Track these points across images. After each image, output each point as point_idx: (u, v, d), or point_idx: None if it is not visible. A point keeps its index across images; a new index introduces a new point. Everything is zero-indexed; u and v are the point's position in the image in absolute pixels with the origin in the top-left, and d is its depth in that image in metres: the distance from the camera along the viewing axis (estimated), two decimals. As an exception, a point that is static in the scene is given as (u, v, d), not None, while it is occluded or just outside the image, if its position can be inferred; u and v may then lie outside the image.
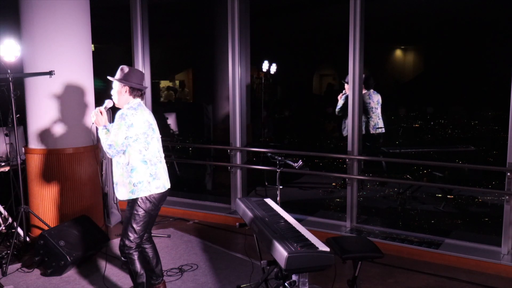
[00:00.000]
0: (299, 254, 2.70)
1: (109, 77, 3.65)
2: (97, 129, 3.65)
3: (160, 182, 3.58)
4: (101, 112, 3.56)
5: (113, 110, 3.71)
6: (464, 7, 10.75)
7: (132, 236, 3.51)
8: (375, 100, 6.92)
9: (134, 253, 3.55)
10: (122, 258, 3.61)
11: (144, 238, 3.69)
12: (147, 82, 6.69)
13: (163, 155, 3.71)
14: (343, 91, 6.94)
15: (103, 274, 4.31)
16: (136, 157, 3.47)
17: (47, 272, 4.29)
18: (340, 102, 6.90)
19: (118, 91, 3.58)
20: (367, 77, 6.75)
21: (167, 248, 5.02)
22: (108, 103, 3.66)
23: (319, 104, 13.08)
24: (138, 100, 3.59)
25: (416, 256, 4.76)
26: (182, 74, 17.19)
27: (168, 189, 3.68)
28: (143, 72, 4.16)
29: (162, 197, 3.61)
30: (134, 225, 3.51)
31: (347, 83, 6.77)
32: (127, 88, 3.55)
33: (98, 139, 4.06)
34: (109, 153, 3.43)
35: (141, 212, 3.50)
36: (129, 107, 3.51)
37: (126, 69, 3.58)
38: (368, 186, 7.23)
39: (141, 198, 3.48)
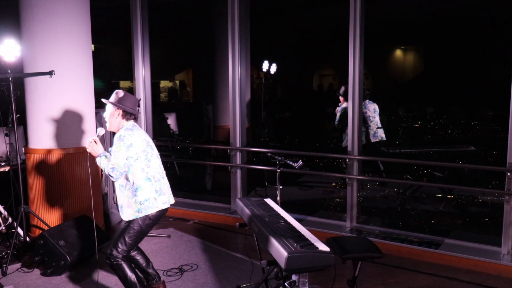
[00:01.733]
0: (299, 254, 2.70)
1: (103, 100, 3.68)
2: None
3: (166, 197, 3.63)
4: (95, 141, 3.57)
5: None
6: (464, 7, 10.75)
7: (121, 247, 3.52)
8: (371, 109, 6.95)
9: (122, 260, 3.55)
10: (108, 264, 3.60)
11: None
12: (147, 82, 6.69)
13: (164, 171, 3.74)
14: (339, 104, 6.99)
15: (103, 274, 4.30)
16: (140, 176, 3.50)
17: (47, 272, 4.29)
18: (338, 115, 6.95)
19: (111, 113, 3.61)
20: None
21: (167, 248, 5.02)
22: (100, 131, 3.67)
23: (319, 104, 13.09)
24: (132, 121, 3.63)
25: (416, 256, 4.76)
26: (182, 74, 17.19)
27: (170, 205, 3.71)
28: (139, 98, 4.16)
29: (162, 215, 3.64)
30: (127, 238, 3.52)
31: (342, 95, 6.84)
32: (120, 111, 3.58)
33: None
34: (113, 176, 3.43)
35: (137, 228, 3.53)
36: (125, 128, 3.56)
37: (121, 93, 3.63)
38: (368, 186, 7.23)
39: (142, 216, 3.51)
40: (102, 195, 5.65)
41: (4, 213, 5.21)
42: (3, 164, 5.12)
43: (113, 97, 3.63)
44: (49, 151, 4.88)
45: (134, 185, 3.50)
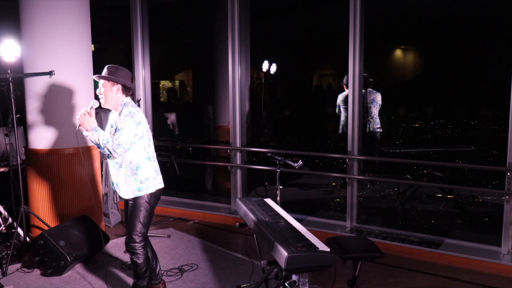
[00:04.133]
0: (299, 254, 2.69)
1: (95, 77, 3.52)
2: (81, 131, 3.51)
3: (160, 177, 3.65)
4: (89, 114, 3.40)
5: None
6: (464, 7, 10.75)
7: (140, 229, 3.51)
8: (370, 99, 6.99)
9: (142, 248, 3.57)
10: (130, 255, 3.59)
11: None
12: (147, 82, 6.69)
13: None
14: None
15: (103, 274, 4.31)
16: (141, 154, 3.48)
17: (47, 272, 4.29)
18: (338, 102, 7.16)
19: (109, 90, 3.46)
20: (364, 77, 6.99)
21: (167, 248, 5.02)
22: (94, 104, 3.48)
23: (319, 104, 13.09)
24: (129, 98, 3.55)
25: (416, 256, 4.76)
26: (182, 74, 17.18)
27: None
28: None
29: (161, 193, 3.67)
30: (142, 219, 3.52)
31: (345, 84, 6.98)
32: (119, 86, 3.47)
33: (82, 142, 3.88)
34: (117, 152, 3.35)
35: (147, 207, 3.53)
36: (132, 105, 3.49)
37: (114, 67, 3.49)
38: (368, 186, 7.23)
39: (147, 194, 3.51)
40: (102, 195, 5.65)
41: (4, 213, 5.21)
42: (3, 164, 5.11)
43: (106, 72, 3.47)
44: (49, 151, 4.88)
45: (133, 164, 3.46)
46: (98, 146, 3.43)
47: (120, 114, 3.46)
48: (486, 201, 6.50)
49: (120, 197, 5.99)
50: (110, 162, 3.54)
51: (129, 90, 3.52)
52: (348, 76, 6.85)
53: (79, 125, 3.43)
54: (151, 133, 3.63)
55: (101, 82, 3.49)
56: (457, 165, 7.09)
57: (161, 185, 3.62)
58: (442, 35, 12.96)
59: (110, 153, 3.38)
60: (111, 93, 3.47)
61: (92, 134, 3.40)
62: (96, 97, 3.61)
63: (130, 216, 3.55)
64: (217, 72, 9.13)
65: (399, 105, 11.10)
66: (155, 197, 3.57)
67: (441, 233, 5.19)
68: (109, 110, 3.66)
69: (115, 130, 3.45)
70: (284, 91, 15.57)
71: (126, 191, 3.52)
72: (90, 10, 5.11)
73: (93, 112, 3.44)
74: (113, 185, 3.61)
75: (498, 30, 11.54)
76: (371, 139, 7.11)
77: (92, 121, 3.41)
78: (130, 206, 3.58)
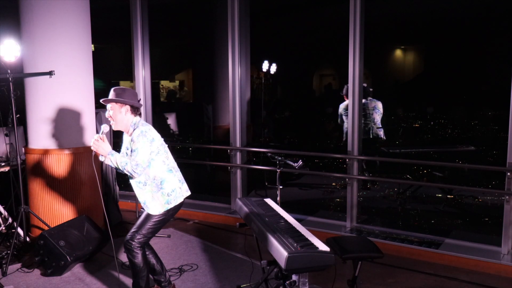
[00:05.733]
0: (299, 254, 2.70)
1: (103, 101, 3.53)
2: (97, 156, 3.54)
3: (186, 185, 3.74)
4: (101, 139, 3.45)
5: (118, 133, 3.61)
6: (464, 7, 10.75)
7: (145, 233, 3.54)
8: (371, 106, 7.05)
9: (140, 249, 3.58)
10: (127, 253, 3.60)
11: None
12: (147, 82, 6.69)
13: None
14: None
15: (102, 274, 4.31)
16: (162, 169, 3.54)
17: (47, 272, 4.29)
18: (339, 112, 7.18)
19: (118, 112, 3.51)
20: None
21: (167, 248, 5.02)
22: (104, 128, 3.52)
23: (319, 104, 13.09)
24: (138, 118, 3.59)
25: (416, 256, 4.76)
26: (182, 74, 17.17)
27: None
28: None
29: (182, 203, 3.70)
30: (149, 225, 3.55)
31: (345, 94, 7.00)
32: (128, 107, 3.51)
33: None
34: (137, 172, 3.41)
35: (161, 217, 3.57)
36: (142, 123, 3.54)
37: (120, 89, 3.54)
38: (368, 186, 7.23)
39: (166, 210, 3.56)
40: (102, 195, 5.64)
41: (4, 213, 5.21)
42: (3, 164, 5.11)
43: (113, 95, 3.52)
44: (49, 151, 4.88)
45: (156, 179, 3.52)
46: (117, 169, 3.48)
47: (132, 135, 3.50)
48: (486, 201, 6.50)
49: (120, 197, 6.01)
50: (133, 182, 3.58)
51: (137, 110, 3.57)
52: (347, 86, 6.89)
53: (94, 152, 3.48)
54: (166, 145, 3.67)
55: (109, 105, 3.54)
56: (457, 165, 7.09)
57: (188, 193, 3.73)
58: (442, 35, 12.95)
59: (131, 174, 3.44)
60: (120, 115, 3.52)
61: (109, 158, 3.45)
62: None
63: (144, 218, 3.58)
64: (217, 72, 9.15)
65: (398, 105, 11.11)
66: (174, 210, 3.62)
67: (441, 233, 5.19)
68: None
69: (131, 151, 3.49)
70: (284, 91, 15.57)
71: (155, 207, 3.56)
72: (90, 10, 5.11)
73: (105, 137, 3.49)
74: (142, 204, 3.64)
75: (498, 30, 11.55)
76: (374, 143, 7.12)
77: (106, 146, 3.45)
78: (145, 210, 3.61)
